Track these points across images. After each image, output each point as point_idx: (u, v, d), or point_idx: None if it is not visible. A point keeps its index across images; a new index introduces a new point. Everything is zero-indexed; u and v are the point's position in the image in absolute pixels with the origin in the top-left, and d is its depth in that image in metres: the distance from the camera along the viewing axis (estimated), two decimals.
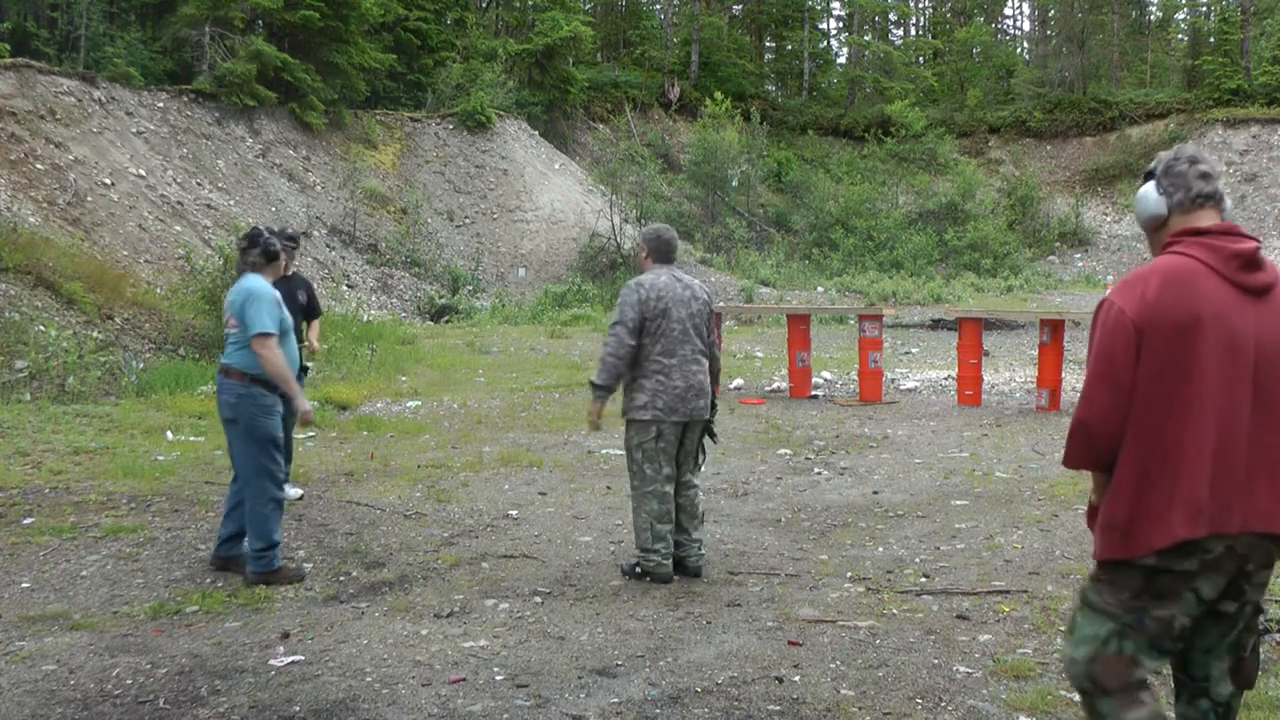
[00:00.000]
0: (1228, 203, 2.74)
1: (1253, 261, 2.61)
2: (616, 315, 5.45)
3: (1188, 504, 2.54)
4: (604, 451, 9.14)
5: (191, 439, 9.56)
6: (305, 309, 7.51)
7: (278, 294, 5.61)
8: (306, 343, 7.47)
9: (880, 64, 45.34)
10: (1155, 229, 2.79)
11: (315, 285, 9.50)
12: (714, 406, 5.61)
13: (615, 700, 3.96)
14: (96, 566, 5.80)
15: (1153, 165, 2.83)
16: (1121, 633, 2.63)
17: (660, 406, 5.37)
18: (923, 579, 5.45)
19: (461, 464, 8.60)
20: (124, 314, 13.94)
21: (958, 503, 7.23)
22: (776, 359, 16.26)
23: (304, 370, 7.54)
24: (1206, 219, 2.70)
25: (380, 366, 14.43)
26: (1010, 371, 15.16)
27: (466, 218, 27.69)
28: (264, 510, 5.45)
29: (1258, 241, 2.67)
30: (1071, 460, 2.74)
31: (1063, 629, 4.67)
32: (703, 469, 5.79)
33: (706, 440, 5.73)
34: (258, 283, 5.52)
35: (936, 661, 4.31)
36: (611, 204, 28.64)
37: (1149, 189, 2.78)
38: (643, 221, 27.91)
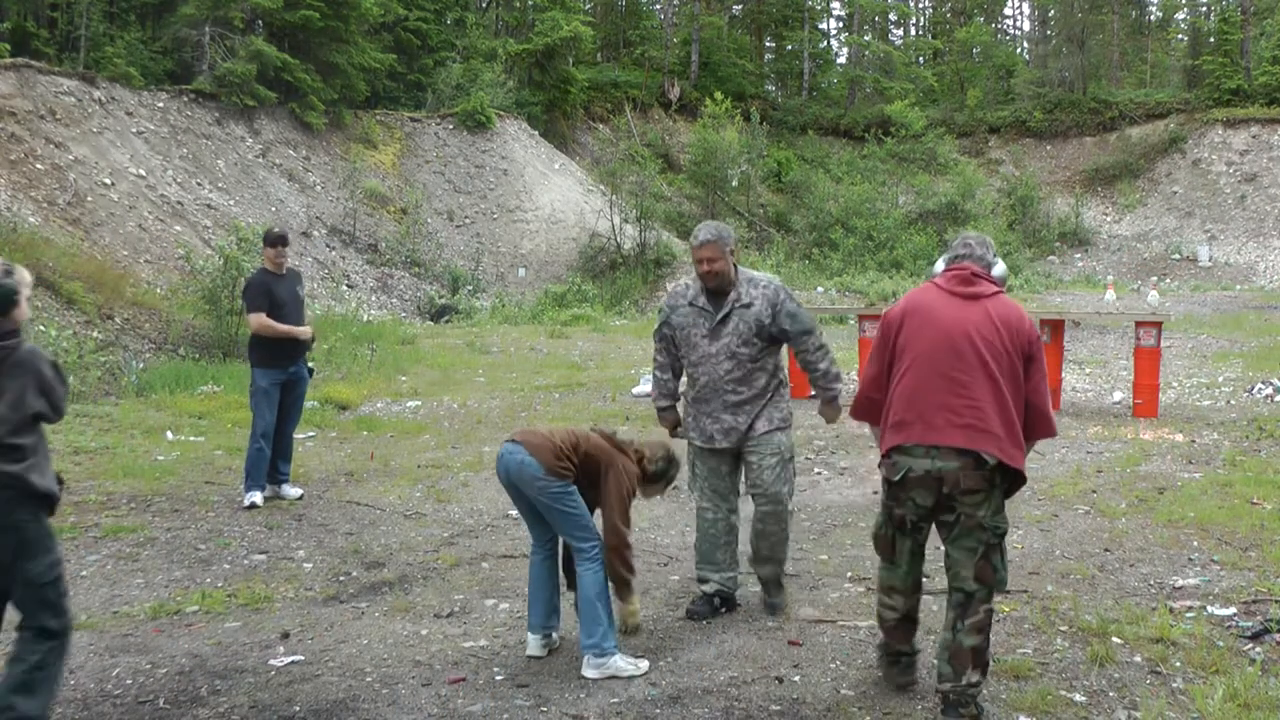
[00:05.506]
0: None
1: (966, 280, 3.95)
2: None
3: (894, 428, 3.94)
4: None
5: (191, 439, 9.56)
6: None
7: None
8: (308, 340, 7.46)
9: (880, 64, 45.29)
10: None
11: (312, 284, 9.48)
12: None
13: (615, 700, 3.96)
14: (96, 566, 5.80)
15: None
16: (886, 521, 4.03)
17: None
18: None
19: (461, 464, 8.59)
20: (124, 314, 13.94)
21: None
22: None
23: (310, 372, 7.53)
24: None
25: (380, 366, 14.43)
26: None
27: (466, 218, 27.68)
28: None
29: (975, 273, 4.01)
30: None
31: (1064, 628, 4.69)
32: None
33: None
34: None
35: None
36: (611, 204, 28.61)
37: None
38: (642, 221, 27.88)
